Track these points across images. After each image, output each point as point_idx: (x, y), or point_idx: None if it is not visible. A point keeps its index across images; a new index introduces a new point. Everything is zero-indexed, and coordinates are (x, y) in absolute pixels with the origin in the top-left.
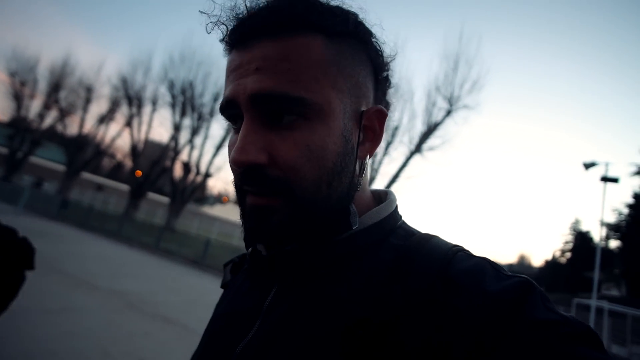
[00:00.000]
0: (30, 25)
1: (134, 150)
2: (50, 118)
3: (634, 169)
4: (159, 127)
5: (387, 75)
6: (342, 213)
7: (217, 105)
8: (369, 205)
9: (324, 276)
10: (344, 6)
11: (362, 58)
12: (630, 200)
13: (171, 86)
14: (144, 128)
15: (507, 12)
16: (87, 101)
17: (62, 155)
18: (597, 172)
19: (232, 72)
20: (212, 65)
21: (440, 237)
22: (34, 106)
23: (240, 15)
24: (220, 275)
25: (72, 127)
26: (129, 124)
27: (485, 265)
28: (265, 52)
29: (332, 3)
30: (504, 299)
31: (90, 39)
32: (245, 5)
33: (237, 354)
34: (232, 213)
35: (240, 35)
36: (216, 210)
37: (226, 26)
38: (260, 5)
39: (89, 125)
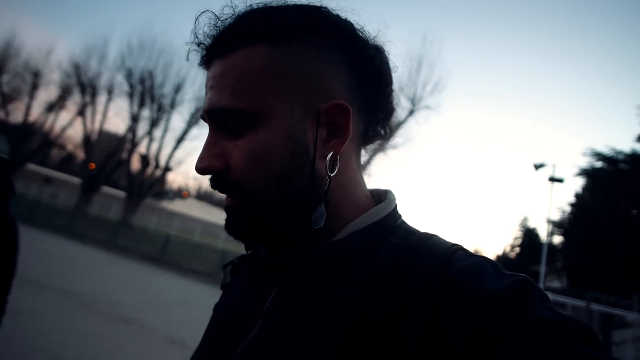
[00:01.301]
0: None
1: (87, 141)
2: None
3: (577, 170)
4: (114, 117)
5: (371, 58)
6: (303, 211)
7: (178, 97)
8: (365, 205)
9: (323, 277)
10: (299, 4)
11: (318, 53)
12: (573, 199)
13: (129, 75)
14: (98, 118)
15: (469, 19)
16: (34, 87)
17: (4, 144)
18: (545, 172)
19: (204, 90)
20: (174, 55)
21: (440, 236)
22: None
23: (203, 39)
24: (181, 272)
25: (16, 115)
26: (81, 113)
27: (484, 263)
28: (215, 71)
29: (289, 2)
30: (503, 297)
31: (39, 20)
32: (208, 28)
33: (237, 355)
34: (192, 208)
35: (202, 57)
36: (176, 206)
37: (205, 46)
38: (215, 27)
39: (36, 113)
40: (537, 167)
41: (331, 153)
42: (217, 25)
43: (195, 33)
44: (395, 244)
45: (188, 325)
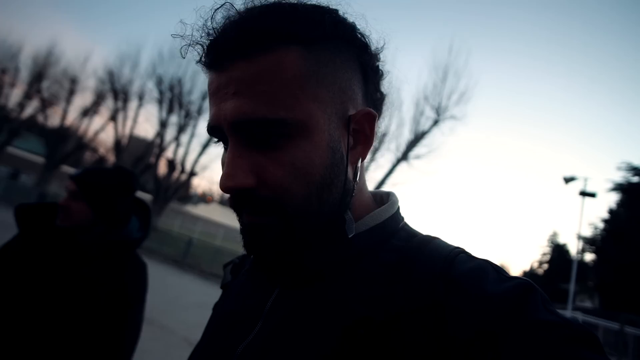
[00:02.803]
0: (12, 12)
1: (118, 145)
2: (31, 108)
3: (610, 185)
4: (144, 123)
5: (378, 66)
6: (337, 223)
7: (205, 104)
8: (368, 207)
9: (326, 277)
10: (320, 5)
11: (345, 59)
12: (606, 215)
13: (159, 82)
14: (129, 123)
15: (496, 28)
16: (71, 93)
17: (41, 146)
18: (576, 186)
19: (212, 95)
20: None
21: (442, 239)
22: (15, 95)
23: (212, 35)
24: (202, 275)
25: (53, 119)
26: (113, 118)
27: (486, 267)
28: (240, 74)
29: (310, 1)
30: (506, 300)
31: (77, 30)
32: (217, 24)
33: (238, 355)
34: (215, 213)
35: (215, 57)
36: (200, 210)
37: (202, 45)
38: (232, 22)
39: (72, 117)
40: (568, 180)
41: (359, 160)
42: (235, 20)
43: (208, 31)
44: (397, 246)
45: None
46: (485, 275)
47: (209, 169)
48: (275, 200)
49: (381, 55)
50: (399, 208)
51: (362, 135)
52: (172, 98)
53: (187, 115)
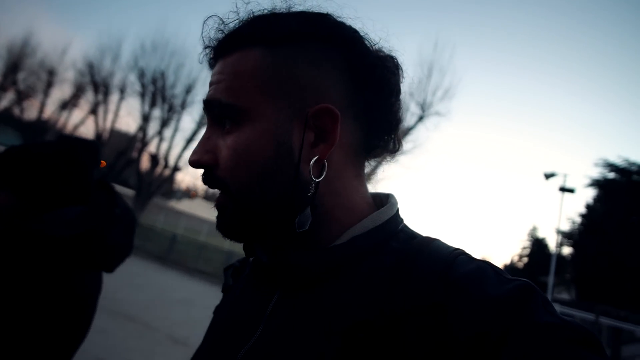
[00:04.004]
0: None
1: (99, 139)
2: (6, 100)
3: (588, 181)
4: (126, 116)
5: (372, 67)
6: (286, 213)
7: (189, 98)
8: (364, 211)
9: (326, 281)
10: (300, 11)
11: (316, 58)
12: (583, 210)
13: (141, 75)
14: (110, 117)
15: (481, 26)
16: (49, 85)
17: (18, 140)
18: (556, 182)
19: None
20: (186, 56)
21: (441, 241)
22: None
23: (210, 43)
24: (186, 272)
25: (30, 112)
26: (94, 111)
27: (486, 268)
28: (216, 70)
29: (294, 9)
30: (506, 302)
31: (55, 20)
32: (214, 34)
33: (239, 359)
34: (199, 208)
35: (210, 59)
36: (183, 205)
37: (211, 48)
38: (222, 30)
39: (50, 110)
40: (548, 176)
41: (316, 157)
42: (222, 29)
43: (202, 37)
44: (397, 248)
45: (191, 325)
46: (485, 276)
47: None
48: (224, 180)
49: (384, 56)
50: (398, 210)
51: (325, 133)
52: (155, 91)
53: (171, 109)
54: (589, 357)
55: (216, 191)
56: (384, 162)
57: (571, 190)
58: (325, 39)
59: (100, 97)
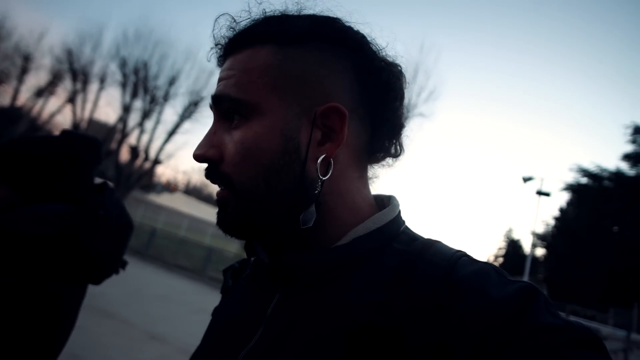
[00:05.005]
0: None
1: (76, 129)
2: None
3: (562, 185)
4: (105, 106)
5: (378, 70)
6: (291, 209)
7: (172, 90)
8: (366, 212)
9: (327, 282)
10: (312, 14)
11: (325, 58)
12: (557, 213)
13: (123, 64)
14: (88, 106)
15: (462, 31)
16: (24, 71)
17: None
18: (533, 186)
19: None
20: (170, 47)
21: (443, 243)
22: None
23: (221, 40)
24: (165, 267)
25: (3, 98)
26: (71, 100)
27: (489, 270)
28: (226, 67)
29: (304, 12)
30: (508, 304)
31: (32, 3)
32: (225, 32)
33: None
34: (180, 203)
35: (220, 57)
36: (164, 199)
37: (222, 46)
38: (233, 28)
39: (24, 97)
40: (526, 180)
41: (323, 156)
42: (233, 27)
43: (213, 34)
44: (399, 250)
45: (170, 321)
46: (487, 278)
47: (174, 157)
48: (228, 175)
49: (391, 61)
50: (400, 212)
51: (332, 132)
52: (137, 82)
53: (153, 100)
54: (592, 358)
55: (198, 185)
56: (386, 166)
57: (547, 194)
58: (335, 41)
59: (79, 85)
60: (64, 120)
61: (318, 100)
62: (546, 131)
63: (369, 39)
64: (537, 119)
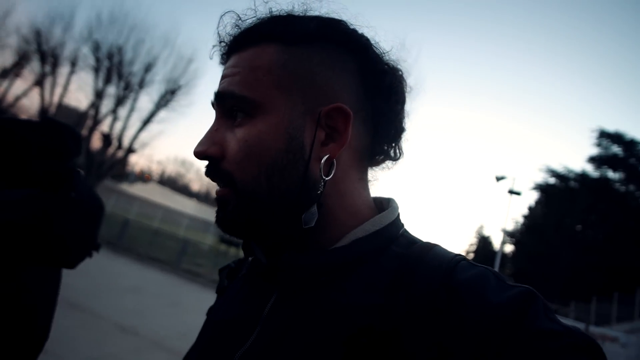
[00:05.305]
0: None
1: (44, 113)
2: None
3: (532, 184)
4: (77, 91)
5: (382, 73)
6: (292, 209)
7: (148, 77)
8: (366, 215)
9: (325, 283)
10: (317, 16)
11: (331, 59)
12: (526, 211)
13: (96, 48)
14: (58, 90)
15: (438, 32)
16: None
17: None
18: (505, 184)
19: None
20: (146, 32)
21: (442, 246)
22: None
23: (225, 38)
24: (138, 259)
25: None
26: (39, 83)
27: (488, 274)
28: (230, 63)
29: (310, 14)
30: (507, 309)
31: None
32: (230, 30)
33: None
34: (154, 193)
35: (223, 54)
36: (137, 189)
37: (226, 43)
38: (239, 26)
39: None
40: (499, 179)
41: (327, 156)
42: (238, 24)
43: (218, 31)
44: (398, 253)
45: (141, 314)
46: (486, 283)
47: (149, 147)
48: (230, 174)
49: (395, 65)
50: (399, 214)
51: (336, 132)
52: (111, 67)
53: (127, 87)
54: None
55: (172, 175)
56: (385, 169)
57: (518, 193)
58: (340, 43)
59: (48, 68)
60: (30, 104)
61: (322, 101)
62: (519, 133)
63: (373, 42)
64: (510, 121)
